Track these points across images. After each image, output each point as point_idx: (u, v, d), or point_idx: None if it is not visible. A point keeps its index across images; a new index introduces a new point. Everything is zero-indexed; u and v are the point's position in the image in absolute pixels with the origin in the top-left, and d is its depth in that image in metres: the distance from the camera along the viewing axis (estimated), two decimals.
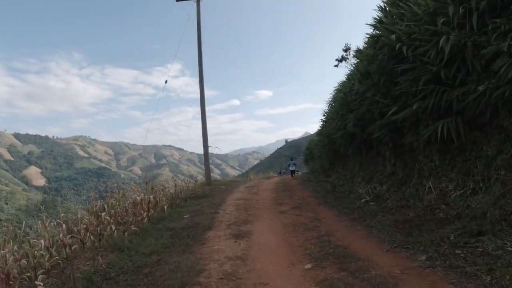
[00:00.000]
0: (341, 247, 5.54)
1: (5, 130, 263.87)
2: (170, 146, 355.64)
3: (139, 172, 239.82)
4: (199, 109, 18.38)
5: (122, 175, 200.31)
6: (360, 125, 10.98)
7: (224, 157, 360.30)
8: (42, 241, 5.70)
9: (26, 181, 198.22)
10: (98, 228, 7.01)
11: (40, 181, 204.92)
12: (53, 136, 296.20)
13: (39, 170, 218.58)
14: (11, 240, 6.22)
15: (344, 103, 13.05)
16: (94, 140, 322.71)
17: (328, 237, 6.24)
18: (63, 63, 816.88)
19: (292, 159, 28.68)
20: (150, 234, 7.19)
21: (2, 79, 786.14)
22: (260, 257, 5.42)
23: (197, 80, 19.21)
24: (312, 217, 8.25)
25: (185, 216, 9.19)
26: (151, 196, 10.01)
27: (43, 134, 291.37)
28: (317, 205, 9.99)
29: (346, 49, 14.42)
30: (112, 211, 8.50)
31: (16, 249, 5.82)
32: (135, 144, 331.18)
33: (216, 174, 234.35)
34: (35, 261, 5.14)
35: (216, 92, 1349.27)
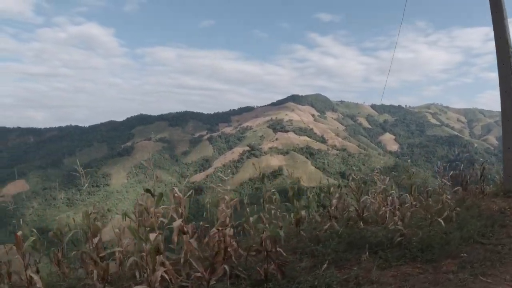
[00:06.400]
0: None
1: (364, 102, 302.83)
2: None
3: (495, 142, 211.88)
4: None
5: (476, 145, 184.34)
6: None
7: None
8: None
9: (381, 146, 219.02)
10: None
11: (394, 147, 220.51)
12: (405, 105, 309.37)
13: (392, 136, 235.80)
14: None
15: None
16: (446, 107, 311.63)
17: None
18: (408, 34, 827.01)
19: None
20: None
21: (357, 59, 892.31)
22: None
23: None
24: None
25: None
26: None
27: (396, 104, 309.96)
28: None
29: None
30: None
31: None
32: (491, 110, 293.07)
33: None
34: None
35: None
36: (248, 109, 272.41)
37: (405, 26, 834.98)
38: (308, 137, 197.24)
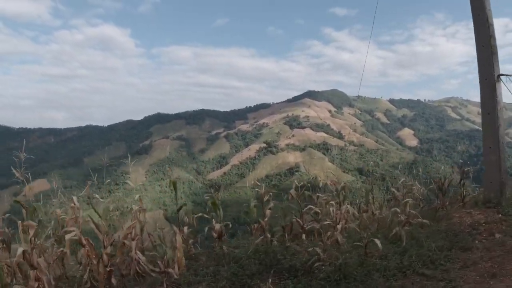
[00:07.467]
0: None
1: (381, 97, 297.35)
2: None
3: None
4: None
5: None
6: None
7: None
8: None
9: (400, 142, 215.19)
10: None
11: (413, 142, 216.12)
12: (424, 99, 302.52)
13: (411, 131, 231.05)
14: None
15: None
16: (466, 100, 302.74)
17: None
18: (426, 27, 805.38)
19: None
20: None
21: (374, 53, 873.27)
22: None
23: None
24: None
25: None
26: None
27: (414, 98, 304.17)
28: None
29: None
30: None
31: None
32: None
33: None
34: None
35: None
36: (264, 106, 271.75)
37: (423, 18, 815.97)
38: (325, 133, 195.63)
